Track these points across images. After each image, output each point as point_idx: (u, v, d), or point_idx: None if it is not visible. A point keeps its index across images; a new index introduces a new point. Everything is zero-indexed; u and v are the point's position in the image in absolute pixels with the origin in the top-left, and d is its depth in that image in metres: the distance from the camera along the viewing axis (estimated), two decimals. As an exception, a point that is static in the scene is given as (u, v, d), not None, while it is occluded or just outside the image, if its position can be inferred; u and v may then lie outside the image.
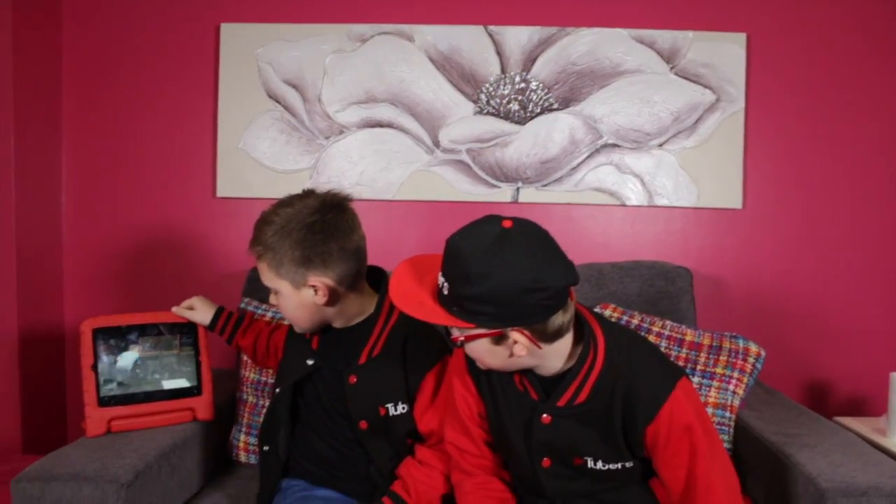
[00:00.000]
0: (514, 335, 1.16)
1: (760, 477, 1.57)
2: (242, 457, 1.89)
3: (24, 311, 2.21)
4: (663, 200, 2.31)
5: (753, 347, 1.78)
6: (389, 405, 1.50)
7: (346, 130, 2.33)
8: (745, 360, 1.76)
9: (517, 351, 1.17)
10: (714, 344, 1.80)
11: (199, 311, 1.75)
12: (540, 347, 1.18)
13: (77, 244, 2.40)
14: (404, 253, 1.52)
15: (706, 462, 1.19)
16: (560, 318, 1.17)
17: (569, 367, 1.25)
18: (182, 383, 1.73)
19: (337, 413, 1.54)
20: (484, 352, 1.22)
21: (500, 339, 1.18)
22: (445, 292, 1.16)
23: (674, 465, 1.21)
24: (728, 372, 1.75)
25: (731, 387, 1.74)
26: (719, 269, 2.32)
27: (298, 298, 1.46)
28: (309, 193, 1.48)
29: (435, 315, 1.18)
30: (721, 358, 1.77)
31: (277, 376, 1.66)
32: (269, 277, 1.47)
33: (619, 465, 1.28)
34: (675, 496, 1.23)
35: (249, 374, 1.93)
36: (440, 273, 1.18)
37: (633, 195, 2.31)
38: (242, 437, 1.89)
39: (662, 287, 2.05)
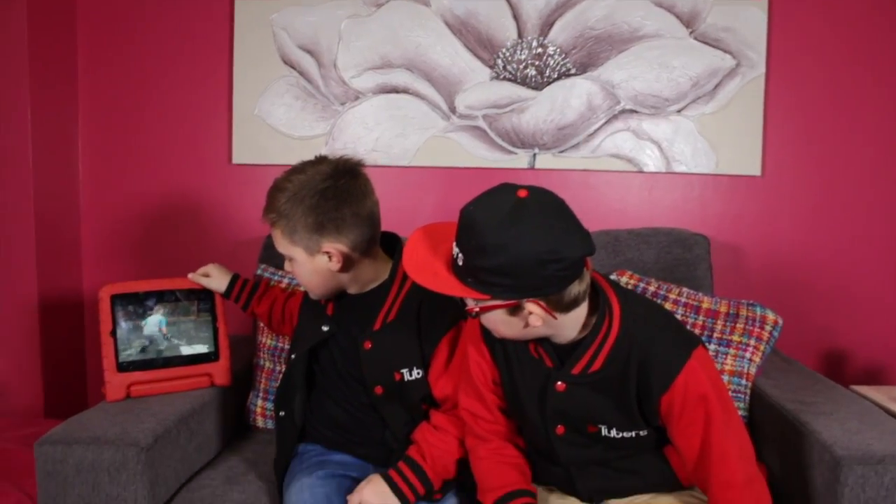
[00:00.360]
0: (530, 306, 1.16)
1: (776, 445, 1.57)
2: (259, 422, 1.91)
3: (44, 278, 2.24)
4: (681, 167, 2.28)
5: (771, 315, 1.77)
6: (404, 370, 1.50)
7: (361, 96, 2.31)
8: (762, 328, 1.75)
9: (532, 321, 1.17)
10: (731, 312, 1.79)
11: (215, 279, 1.77)
12: (555, 318, 1.18)
13: (94, 211, 2.41)
14: (420, 219, 1.51)
15: (721, 431, 1.19)
16: (576, 288, 1.17)
17: (584, 335, 1.24)
18: (200, 349, 1.75)
19: (352, 378, 1.55)
20: (499, 322, 1.22)
21: (515, 310, 1.18)
22: (460, 263, 1.16)
23: (689, 433, 1.21)
24: (745, 340, 1.74)
25: (748, 355, 1.73)
26: (737, 236, 2.30)
27: (312, 265, 1.46)
28: (321, 160, 1.47)
29: (449, 286, 1.18)
30: (738, 326, 1.76)
31: (293, 342, 1.67)
32: (283, 245, 1.47)
33: (634, 434, 1.28)
34: (690, 464, 1.23)
35: (266, 340, 1.95)
36: (455, 243, 1.18)
37: (651, 161, 2.28)
38: (259, 402, 1.91)
39: (679, 254, 2.04)
